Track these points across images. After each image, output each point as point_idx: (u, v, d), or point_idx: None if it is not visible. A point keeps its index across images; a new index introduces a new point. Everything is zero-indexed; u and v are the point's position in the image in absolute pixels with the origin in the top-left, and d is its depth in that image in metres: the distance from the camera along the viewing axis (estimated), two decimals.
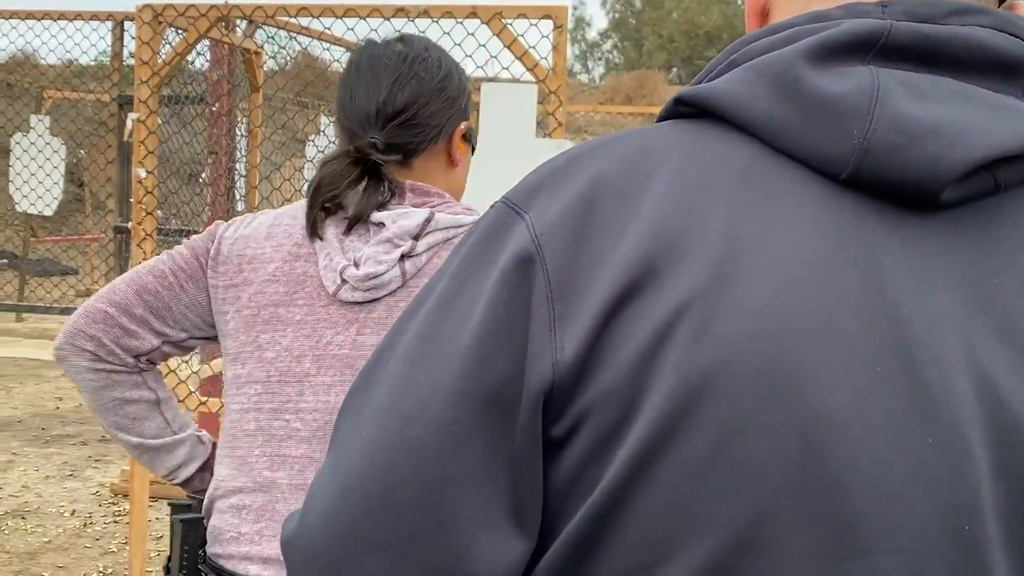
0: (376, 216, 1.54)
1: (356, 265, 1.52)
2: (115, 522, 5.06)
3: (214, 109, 5.24)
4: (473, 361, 0.71)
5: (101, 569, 4.45)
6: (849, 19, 0.74)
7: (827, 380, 0.66)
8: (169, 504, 1.68)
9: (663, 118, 0.81)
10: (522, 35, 3.85)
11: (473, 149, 1.76)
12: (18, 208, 7.89)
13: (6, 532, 4.84)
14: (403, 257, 1.52)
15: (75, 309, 5.67)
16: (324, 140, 7.75)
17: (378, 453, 0.72)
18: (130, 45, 6.74)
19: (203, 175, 6.00)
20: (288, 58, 6.64)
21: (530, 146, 3.78)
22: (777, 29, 0.77)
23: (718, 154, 0.73)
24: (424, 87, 1.60)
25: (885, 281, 0.69)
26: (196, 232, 5.40)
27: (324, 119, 7.92)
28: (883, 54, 0.73)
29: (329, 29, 4.94)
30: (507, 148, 3.79)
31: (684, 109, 0.78)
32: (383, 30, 4.08)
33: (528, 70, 3.84)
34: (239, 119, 5.44)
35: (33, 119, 7.74)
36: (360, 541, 0.72)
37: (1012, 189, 0.72)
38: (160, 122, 4.25)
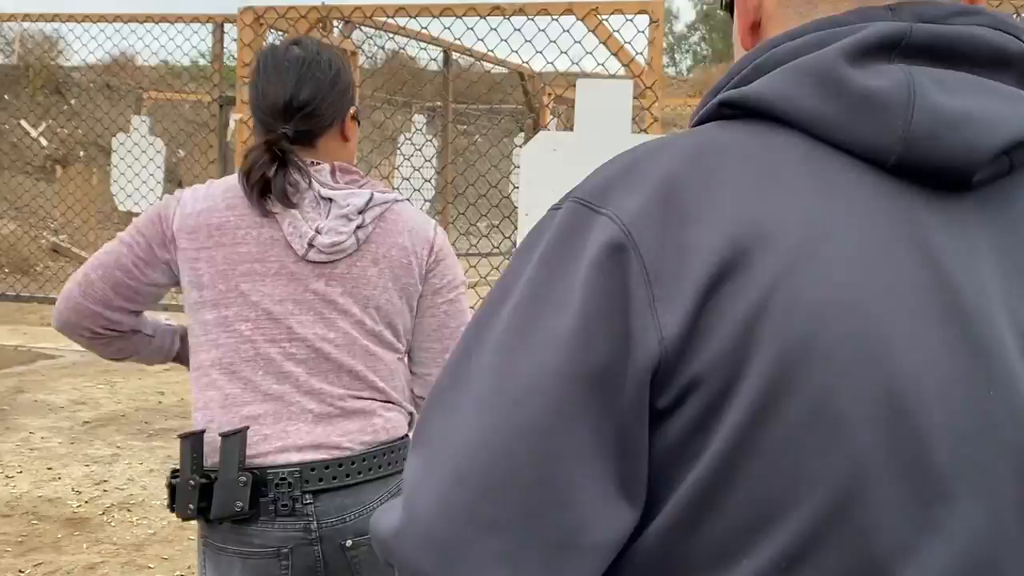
0: (326, 193, 1.97)
1: (319, 233, 1.94)
2: None
3: None
4: (577, 344, 0.76)
5: None
6: (871, 23, 0.82)
7: (902, 345, 0.75)
8: (178, 436, 1.96)
9: (703, 120, 0.88)
10: (617, 31, 3.84)
11: (359, 124, 2.16)
12: (120, 207, 8.11)
13: (113, 524, 4.98)
14: (357, 228, 1.97)
15: (175, 304, 5.74)
16: (421, 138, 7.81)
17: (490, 437, 0.76)
18: (230, 47, 6.89)
19: None
20: (380, 58, 6.70)
21: (626, 142, 3.76)
22: (796, 35, 0.84)
23: (774, 149, 0.81)
24: (321, 84, 1.99)
25: (936, 256, 0.78)
26: None
27: (419, 117, 8.00)
28: (905, 53, 0.82)
29: (426, 28, 4.99)
30: (602, 143, 3.78)
31: (728, 111, 0.86)
32: (479, 28, 4.11)
33: (624, 65, 3.82)
34: None
35: (135, 120, 7.95)
36: (480, 522, 0.75)
37: (1019, 168, 0.83)
38: None
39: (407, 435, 2.07)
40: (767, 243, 0.76)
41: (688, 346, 0.75)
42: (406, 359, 2.12)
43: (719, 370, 0.74)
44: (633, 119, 3.81)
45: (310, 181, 1.98)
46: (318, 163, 2.02)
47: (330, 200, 1.98)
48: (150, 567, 4.48)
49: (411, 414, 2.11)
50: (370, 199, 2.01)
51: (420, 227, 2.10)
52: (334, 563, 1.93)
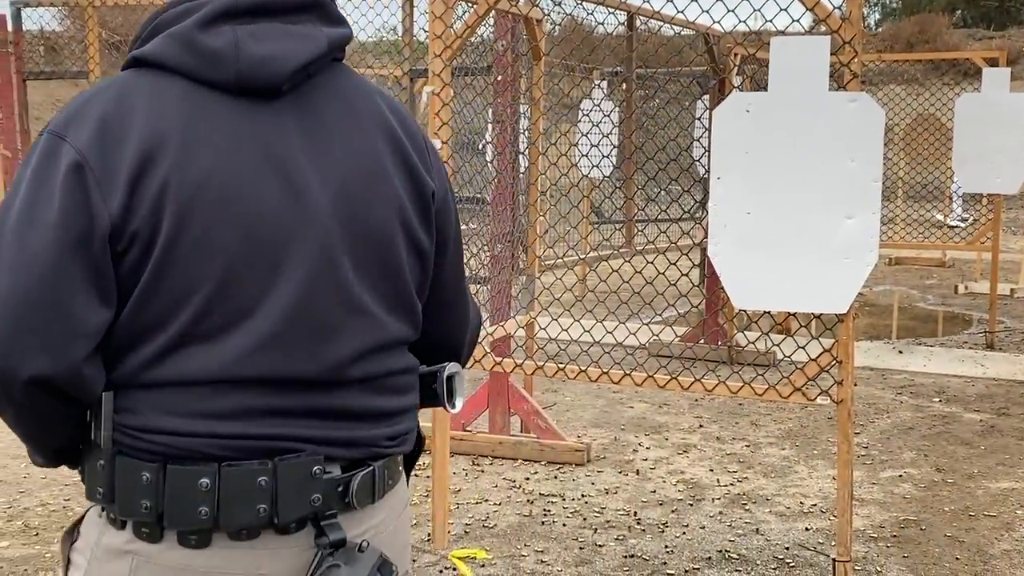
0: None
1: None
2: (416, 475, 5.33)
3: (499, 79, 5.37)
4: (61, 224, 1.31)
5: None
6: None
7: (249, 192, 1.37)
8: None
9: (126, 67, 1.43)
10: None
11: None
12: None
13: None
14: None
15: None
16: (609, 104, 7.78)
17: (19, 282, 1.31)
18: (420, 20, 7.01)
19: (483, 144, 6.18)
20: (559, 24, 6.71)
21: (823, 100, 3.65)
22: (173, 4, 1.42)
23: (165, 88, 1.38)
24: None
25: (265, 137, 1.39)
26: (486, 200, 5.56)
27: (600, 85, 7.96)
28: (237, 16, 1.40)
29: None
30: (798, 102, 3.68)
31: (137, 64, 1.42)
32: None
33: (821, 21, 3.70)
34: (522, 88, 5.56)
35: None
36: (24, 329, 1.31)
37: (316, 75, 1.46)
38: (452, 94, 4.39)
39: None
40: (164, 147, 1.34)
41: (127, 216, 1.33)
42: None
43: (146, 226, 1.33)
44: (831, 76, 3.69)
45: None
46: None
47: None
48: None
49: None
50: None
51: None
52: None
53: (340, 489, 1.41)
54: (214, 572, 1.36)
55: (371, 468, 1.46)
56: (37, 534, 4.51)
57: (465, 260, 5.33)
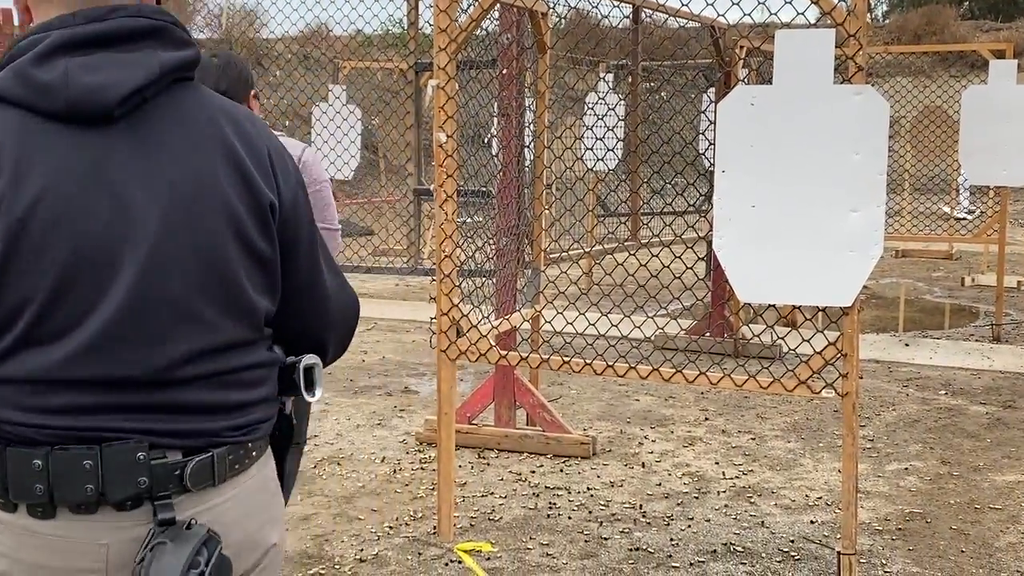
0: None
1: None
2: (422, 469, 5.35)
3: (504, 72, 5.37)
4: None
5: (411, 513, 4.72)
6: (58, 30, 1.53)
7: (80, 208, 1.51)
8: None
9: None
10: None
11: (259, 100, 3.73)
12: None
13: (324, 477, 5.22)
14: None
15: (380, 268, 6.00)
16: (613, 97, 7.79)
17: None
18: (425, 14, 7.02)
19: (488, 137, 6.17)
20: (564, 17, 6.70)
21: (828, 93, 3.65)
22: (31, 33, 1.56)
23: (7, 118, 1.53)
24: (230, 79, 3.49)
25: (99, 161, 1.53)
26: (491, 193, 5.57)
27: (608, 77, 7.96)
28: (76, 48, 1.53)
29: None
30: (803, 95, 3.68)
31: None
32: None
33: (825, 14, 3.70)
34: (527, 81, 5.56)
35: (335, 89, 8.20)
36: None
37: (153, 98, 1.58)
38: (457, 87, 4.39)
39: None
40: (1, 171, 1.49)
41: None
42: None
43: None
44: (835, 69, 3.68)
45: None
46: None
47: None
48: (360, 518, 4.68)
49: None
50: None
51: (289, 146, 3.45)
52: None
53: (177, 473, 1.59)
54: (59, 539, 1.57)
55: (210, 455, 1.62)
56: None
57: (471, 253, 5.41)
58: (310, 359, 1.78)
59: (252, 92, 3.57)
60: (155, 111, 1.58)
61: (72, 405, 1.54)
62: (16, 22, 1.66)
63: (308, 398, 1.76)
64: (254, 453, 1.71)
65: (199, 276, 1.58)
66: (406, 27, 7.06)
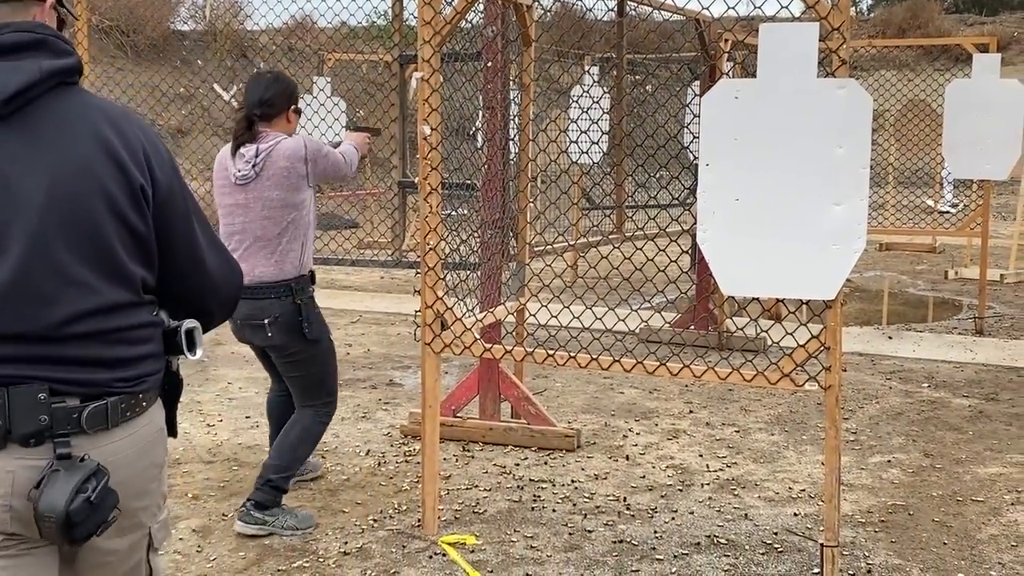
0: (243, 149, 4.30)
1: (238, 170, 4.29)
2: (406, 462, 5.35)
3: (489, 65, 5.36)
4: None
5: (396, 506, 4.72)
6: None
7: None
8: None
9: None
10: None
11: (299, 114, 4.50)
12: None
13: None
14: (252, 166, 4.25)
15: (364, 260, 6.00)
16: (598, 90, 7.77)
17: None
18: (409, 6, 6.98)
19: (473, 130, 6.16)
20: (549, 9, 6.68)
21: (811, 86, 3.65)
22: None
23: None
24: (276, 91, 4.33)
25: None
26: (476, 186, 5.56)
27: (594, 70, 7.94)
28: None
29: None
30: (787, 89, 3.68)
31: None
32: None
33: (810, 7, 3.70)
34: (512, 74, 5.55)
35: (320, 81, 8.17)
36: None
37: (37, 99, 1.90)
38: (441, 80, 4.38)
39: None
40: None
41: None
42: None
43: None
44: (819, 63, 3.69)
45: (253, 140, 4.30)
46: (265, 131, 4.32)
47: (242, 153, 4.31)
48: (344, 511, 4.68)
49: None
50: (258, 149, 4.27)
51: (294, 150, 4.28)
52: None
53: (75, 416, 1.92)
54: None
55: (104, 403, 1.95)
56: None
57: (455, 246, 5.58)
58: (190, 323, 2.10)
59: (292, 107, 4.37)
60: (40, 110, 1.91)
61: None
62: None
63: (189, 357, 2.11)
64: (144, 403, 2.04)
65: (80, 247, 1.90)
66: (391, 19, 7.03)
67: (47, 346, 1.89)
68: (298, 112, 4.44)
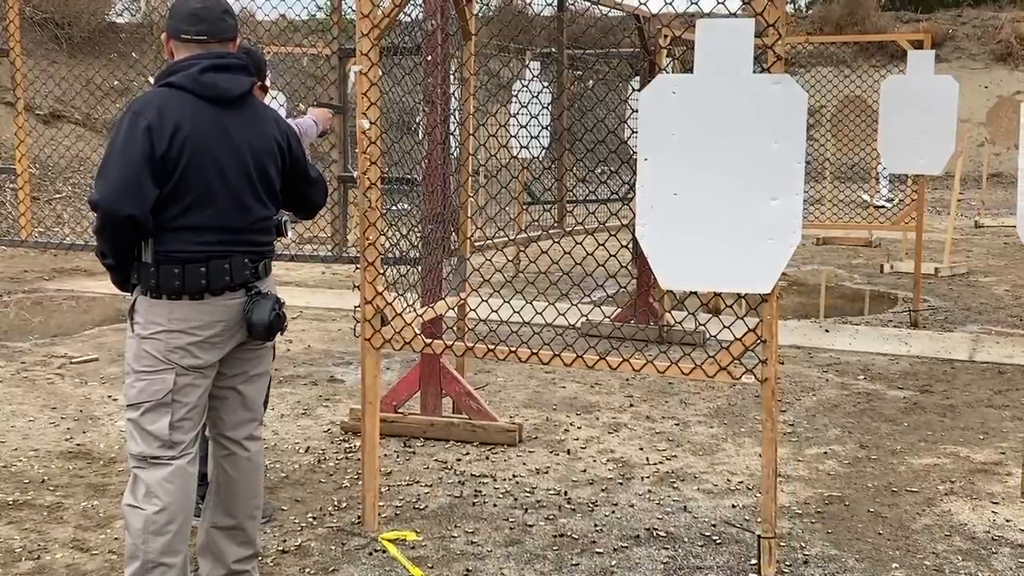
0: None
1: None
2: (347, 458, 5.31)
3: (428, 59, 5.33)
4: (143, 154, 3.22)
5: (336, 503, 4.68)
6: (207, 59, 3.39)
7: (213, 148, 3.35)
8: None
9: (162, 87, 3.37)
10: None
11: (266, 91, 4.25)
12: None
13: None
14: None
15: (305, 255, 5.92)
16: (538, 85, 7.76)
17: (124, 172, 3.24)
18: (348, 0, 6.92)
19: (416, 124, 6.12)
20: (495, 5, 6.68)
21: (748, 82, 3.68)
22: (186, 59, 3.39)
23: (177, 97, 3.32)
24: (259, 67, 4.15)
25: (226, 128, 3.38)
26: (417, 180, 5.53)
27: (534, 64, 7.94)
28: (212, 69, 3.40)
29: None
30: (724, 84, 3.71)
31: (164, 84, 3.37)
32: None
33: (746, 3, 3.73)
34: (452, 68, 5.52)
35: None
36: (124, 192, 3.24)
37: (246, 97, 3.61)
38: (380, 74, 4.35)
39: None
40: (183, 125, 3.27)
41: (166, 153, 3.24)
42: None
43: (173, 158, 3.26)
44: (755, 59, 3.72)
45: None
46: None
47: None
48: (283, 509, 4.64)
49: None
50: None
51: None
52: None
53: (255, 270, 3.47)
54: (209, 305, 3.37)
55: (264, 261, 3.52)
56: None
57: (396, 241, 5.99)
58: (285, 216, 3.77)
59: (258, 83, 4.68)
60: (246, 104, 3.45)
61: (209, 240, 3.33)
62: (165, 55, 3.51)
63: (285, 240, 3.96)
64: (272, 262, 3.60)
65: (262, 182, 3.46)
66: (330, 12, 6.96)
67: (244, 234, 3.41)
68: (264, 89, 4.17)
